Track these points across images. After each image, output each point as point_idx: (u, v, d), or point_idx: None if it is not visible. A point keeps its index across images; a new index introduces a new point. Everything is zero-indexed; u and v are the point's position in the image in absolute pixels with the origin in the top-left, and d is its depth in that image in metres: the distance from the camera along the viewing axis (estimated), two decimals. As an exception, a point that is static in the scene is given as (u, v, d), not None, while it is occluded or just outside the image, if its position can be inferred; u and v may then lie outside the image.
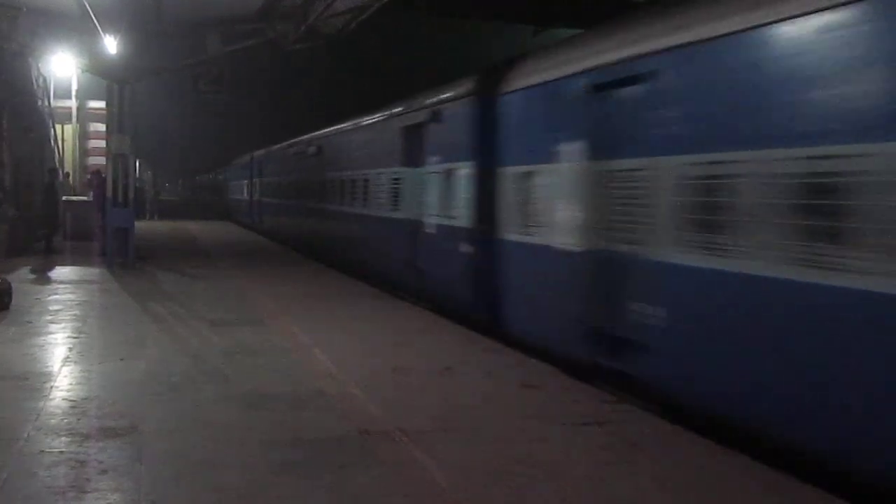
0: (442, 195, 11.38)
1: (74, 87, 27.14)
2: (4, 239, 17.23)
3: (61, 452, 5.13)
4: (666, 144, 6.63)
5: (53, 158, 24.43)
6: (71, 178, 27.47)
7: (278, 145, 26.89)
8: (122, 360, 7.88)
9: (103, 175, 17.60)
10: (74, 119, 28.18)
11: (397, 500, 4.55)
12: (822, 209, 5.10)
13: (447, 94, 11.67)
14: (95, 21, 14.09)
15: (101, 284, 13.71)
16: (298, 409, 6.31)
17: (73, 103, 27.67)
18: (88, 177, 23.91)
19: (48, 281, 13.93)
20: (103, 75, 16.59)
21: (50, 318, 10.14)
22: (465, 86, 11.07)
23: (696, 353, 6.29)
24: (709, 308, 6.15)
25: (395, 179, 13.62)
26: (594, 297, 7.53)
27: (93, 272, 15.19)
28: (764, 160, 5.59)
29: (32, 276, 14.39)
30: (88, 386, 6.87)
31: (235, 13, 16.39)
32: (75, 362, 7.75)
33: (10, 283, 10.98)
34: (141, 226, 20.90)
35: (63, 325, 9.72)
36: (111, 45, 15.52)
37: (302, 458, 5.18)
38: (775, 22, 5.62)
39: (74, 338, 8.94)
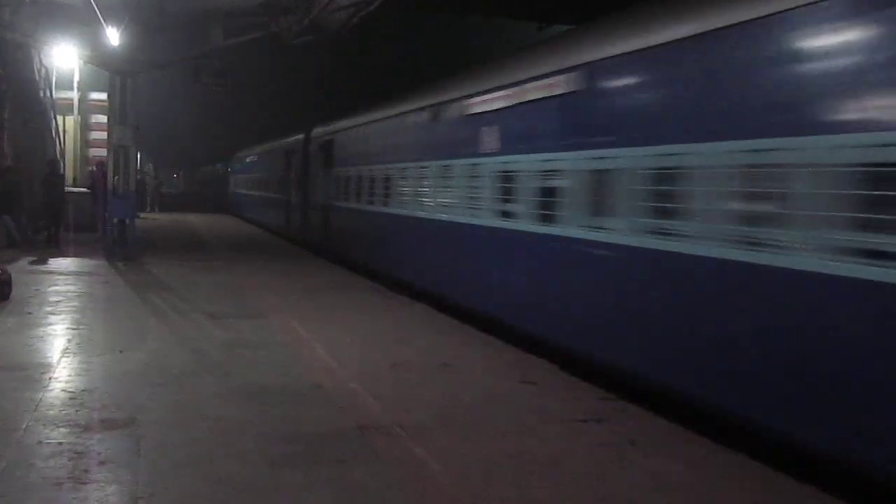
0: None
1: (76, 78, 27.13)
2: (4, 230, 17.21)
3: (60, 444, 5.13)
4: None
5: (54, 150, 24.40)
6: (70, 169, 27.42)
7: (398, 109, 14.82)
8: (121, 351, 7.88)
9: (105, 168, 17.59)
10: (76, 111, 28.17)
11: (395, 495, 4.55)
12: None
13: None
14: (98, 12, 14.07)
15: (101, 276, 13.70)
16: (297, 403, 6.32)
17: (75, 95, 27.65)
18: (92, 168, 23.82)
19: (48, 272, 13.92)
20: (105, 67, 16.57)
21: (50, 309, 10.14)
22: None
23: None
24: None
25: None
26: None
27: (93, 264, 15.18)
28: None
29: (33, 267, 14.38)
30: (88, 377, 6.87)
31: (238, 6, 16.38)
32: (75, 354, 7.74)
33: (10, 274, 10.97)
34: (142, 218, 20.85)
35: (63, 316, 9.72)
36: (114, 36, 15.50)
37: (300, 451, 5.19)
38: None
39: (74, 329, 8.94)
